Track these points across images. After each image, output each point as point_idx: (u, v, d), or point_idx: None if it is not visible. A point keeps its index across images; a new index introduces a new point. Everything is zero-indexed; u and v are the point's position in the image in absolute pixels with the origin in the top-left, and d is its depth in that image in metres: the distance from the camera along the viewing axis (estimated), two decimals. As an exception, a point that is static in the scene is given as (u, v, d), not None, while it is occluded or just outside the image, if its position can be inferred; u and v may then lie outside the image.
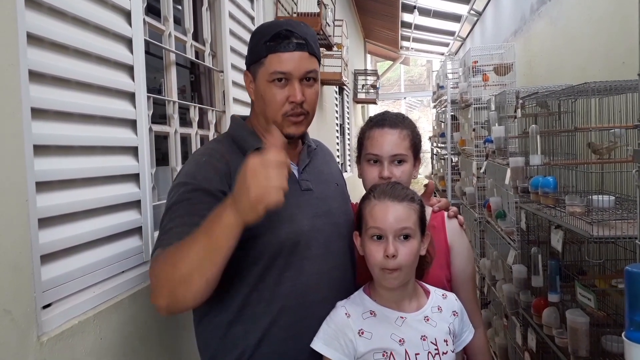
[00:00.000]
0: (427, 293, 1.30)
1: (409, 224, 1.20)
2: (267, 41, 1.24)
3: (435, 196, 1.61)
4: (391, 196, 1.22)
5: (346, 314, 1.21)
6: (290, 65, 1.24)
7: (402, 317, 1.21)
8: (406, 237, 1.19)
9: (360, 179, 1.47)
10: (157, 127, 1.73)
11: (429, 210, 1.48)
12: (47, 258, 1.11)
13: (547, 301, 2.10)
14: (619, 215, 1.74)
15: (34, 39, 1.07)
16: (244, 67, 1.35)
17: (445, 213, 1.50)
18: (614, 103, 2.06)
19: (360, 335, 1.18)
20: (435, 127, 7.03)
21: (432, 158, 8.21)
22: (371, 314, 1.22)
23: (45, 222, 1.10)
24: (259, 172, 0.97)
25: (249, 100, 1.39)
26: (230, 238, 1.02)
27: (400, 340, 1.18)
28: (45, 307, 1.09)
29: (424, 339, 1.20)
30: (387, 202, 1.21)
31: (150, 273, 1.11)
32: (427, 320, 1.23)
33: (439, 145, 6.59)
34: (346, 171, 7.33)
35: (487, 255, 3.67)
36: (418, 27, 9.54)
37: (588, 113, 2.06)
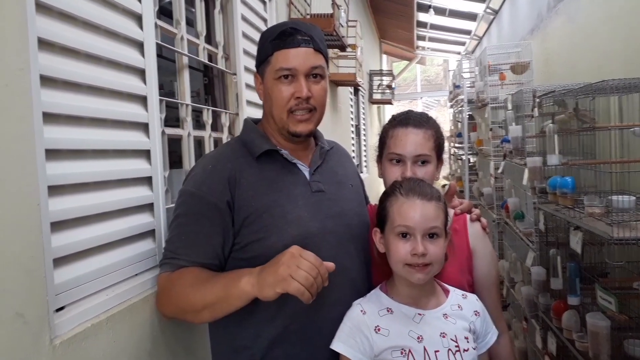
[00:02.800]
0: (447, 292, 1.28)
1: (438, 224, 1.19)
2: (272, 39, 1.26)
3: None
4: (420, 194, 1.20)
5: (362, 311, 1.20)
6: (296, 61, 1.25)
7: (420, 314, 1.20)
8: (434, 235, 1.18)
9: (381, 179, 1.45)
10: (171, 130, 1.74)
11: (450, 213, 1.45)
12: (60, 261, 1.11)
13: (567, 304, 2.06)
14: (640, 215, 1.70)
15: (45, 44, 1.08)
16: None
17: (468, 216, 1.47)
18: (635, 101, 2.01)
19: (376, 332, 1.16)
20: (452, 127, 6.97)
21: (449, 158, 8.14)
22: (388, 311, 1.20)
23: (58, 225, 1.11)
24: (298, 260, 1.07)
25: (261, 102, 1.39)
26: (241, 301, 1.14)
27: (418, 338, 1.16)
28: (58, 310, 1.09)
29: (444, 336, 1.18)
30: (416, 200, 1.19)
31: (160, 288, 1.25)
32: (447, 317, 1.21)
33: (456, 145, 6.53)
34: (362, 172, 7.30)
35: (506, 257, 3.62)
36: (434, 27, 9.48)
37: (607, 111, 2.02)
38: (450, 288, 1.29)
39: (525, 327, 3.06)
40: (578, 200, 1.90)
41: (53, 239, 1.08)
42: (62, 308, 1.11)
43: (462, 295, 1.28)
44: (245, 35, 2.38)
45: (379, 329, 1.16)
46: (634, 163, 1.95)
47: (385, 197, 1.26)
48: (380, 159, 1.46)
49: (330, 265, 1.11)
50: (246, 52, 2.37)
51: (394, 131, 1.40)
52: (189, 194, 1.26)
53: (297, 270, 1.05)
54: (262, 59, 1.30)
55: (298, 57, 1.25)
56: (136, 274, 1.39)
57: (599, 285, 1.73)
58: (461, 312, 1.24)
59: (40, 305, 1.00)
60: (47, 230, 1.04)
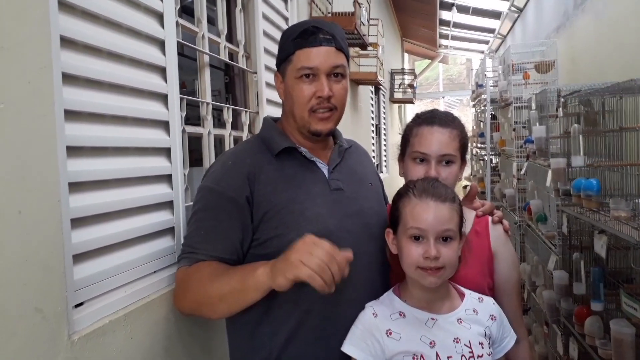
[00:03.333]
0: (462, 295, 1.25)
1: (452, 226, 1.16)
2: (294, 38, 1.26)
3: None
4: (434, 195, 1.17)
5: (373, 314, 1.18)
6: (317, 60, 1.24)
7: (433, 319, 1.17)
8: (447, 238, 1.15)
9: (402, 177, 1.43)
10: (191, 129, 1.75)
11: (472, 214, 1.43)
12: (79, 257, 1.12)
13: (590, 310, 2.01)
14: (669, 220, 1.65)
15: (67, 42, 1.09)
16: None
17: (490, 218, 1.43)
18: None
19: (388, 336, 1.14)
20: (475, 127, 6.87)
21: (471, 159, 8.05)
22: (400, 315, 1.18)
23: (78, 222, 1.12)
24: (311, 247, 1.05)
25: (281, 101, 1.38)
26: (258, 292, 1.12)
27: (430, 343, 1.14)
28: (77, 305, 1.10)
29: (457, 342, 1.15)
30: (429, 202, 1.16)
31: (178, 282, 1.24)
32: (461, 322, 1.18)
33: (478, 145, 6.44)
34: (382, 172, 7.26)
35: (528, 260, 3.56)
36: (457, 25, 9.37)
37: (635, 111, 1.96)
38: (466, 291, 1.26)
39: (546, 332, 3.00)
40: (603, 203, 1.85)
41: (73, 235, 1.09)
42: (81, 304, 1.12)
43: (479, 298, 1.26)
44: (266, 34, 2.38)
45: (390, 333, 1.15)
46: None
47: (398, 197, 1.24)
48: (402, 157, 1.43)
49: (349, 254, 1.08)
50: (267, 51, 2.37)
51: (419, 129, 1.37)
52: (207, 189, 1.26)
53: (309, 256, 1.03)
54: (283, 58, 1.30)
55: (320, 56, 1.24)
56: (154, 271, 1.40)
57: (623, 292, 1.69)
58: (476, 317, 1.21)
59: (59, 301, 1.01)
60: (67, 227, 1.05)
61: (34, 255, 0.95)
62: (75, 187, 1.11)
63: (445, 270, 1.15)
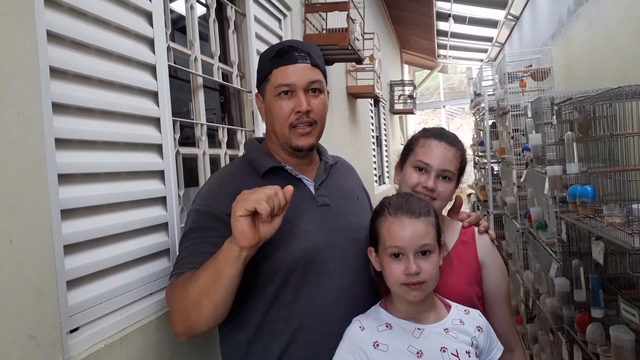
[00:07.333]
0: (448, 307, 1.26)
1: (429, 240, 1.18)
2: (271, 58, 1.32)
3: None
4: (408, 212, 1.19)
5: (360, 327, 1.20)
6: (294, 77, 1.28)
7: (419, 329, 1.18)
8: (426, 252, 1.17)
9: (396, 184, 1.45)
10: (186, 150, 1.77)
11: (458, 225, 1.45)
12: (73, 283, 1.14)
13: (591, 316, 2.00)
14: (663, 225, 1.64)
15: (57, 72, 1.12)
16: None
17: (476, 229, 1.46)
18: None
19: (375, 348, 1.15)
20: (475, 136, 6.88)
21: (473, 167, 8.05)
22: (387, 326, 1.19)
23: (72, 248, 1.14)
24: (245, 197, 1.05)
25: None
26: (230, 264, 1.08)
27: (418, 353, 1.14)
28: (72, 331, 1.12)
29: (444, 351, 1.16)
30: (404, 219, 1.19)
31: (167, 301, 1.21)
32: (447, 332, 1.20)
33: (479, 153, 6.44)
34: (384, 183, 7.26)
35: (531, 267, 3.54)
36: (454, 35, 9.41)
37: (628, 117, 1.96)
38: (452, 303, 1.27)
39: (552, 339, 2.98)
40: (599, 210, 1.85)
41: (67, 261, 1.11)
42: (76, 329, 1.13)
43: (465, 310, 1.27)
44: (259, 53, 2.40)
45: (377, 345, 1.15)
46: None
47: (375, 216, 1.26)
48: (401, 165, 1.46)
49: (289, 188, 1.09)
50: (260, 70, 2.39)
51: (427, 141, 1.41)
52: (194, 211, 1.28)
53: (247, 199, 1.05)
54: (262, 78, 1.35)
55: (296, 72, 1.29)
56: (151, 293, 1.42)
57: (622, 298, 1.68)
58: (463, 327, 1.22)
59: (53, 327, 1.03)
60: (60, 254, 1.07)
61: (26, 283, 0.97)
62: (68, 213, 1.13)
63: (427, 284, 1.16)
